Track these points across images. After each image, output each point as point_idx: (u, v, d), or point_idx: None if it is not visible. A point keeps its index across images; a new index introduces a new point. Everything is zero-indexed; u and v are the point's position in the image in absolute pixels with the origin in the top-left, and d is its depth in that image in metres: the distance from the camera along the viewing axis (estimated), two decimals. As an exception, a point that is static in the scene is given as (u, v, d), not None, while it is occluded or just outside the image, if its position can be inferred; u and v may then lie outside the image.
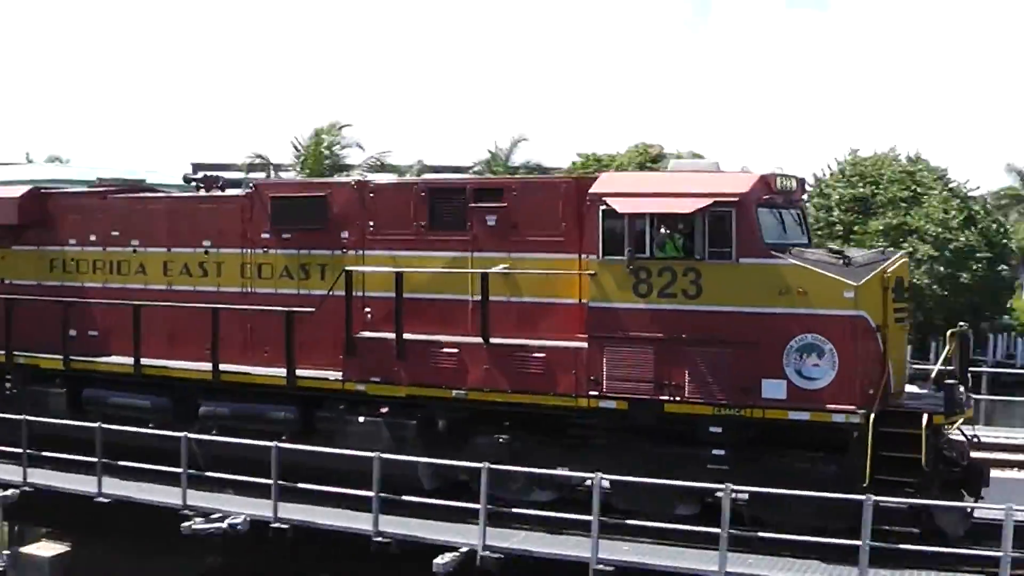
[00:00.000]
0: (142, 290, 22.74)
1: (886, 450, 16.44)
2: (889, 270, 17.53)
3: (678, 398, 17.63)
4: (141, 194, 24.72)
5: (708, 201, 17.32)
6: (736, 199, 17.42)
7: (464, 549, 17.64)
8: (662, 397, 17.72)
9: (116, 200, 23.80)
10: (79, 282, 23.53)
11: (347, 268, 19.96)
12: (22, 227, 23.96)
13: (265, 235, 21.47)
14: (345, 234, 20.69)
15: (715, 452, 17.52)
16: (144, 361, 22.00)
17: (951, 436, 17.72)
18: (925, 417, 16.36)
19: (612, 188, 18.48)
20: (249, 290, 21.81)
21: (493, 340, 18.81)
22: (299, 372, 20.45)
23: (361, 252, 20.54)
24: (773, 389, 17.11)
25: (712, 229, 17.44)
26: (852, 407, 16.65)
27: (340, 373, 20.15)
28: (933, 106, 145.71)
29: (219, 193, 23.19)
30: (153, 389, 22.33)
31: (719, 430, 17.53)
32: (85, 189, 25.83)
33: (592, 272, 18.11)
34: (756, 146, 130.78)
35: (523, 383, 18.66)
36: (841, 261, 17.42)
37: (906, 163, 51.07)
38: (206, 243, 22.19)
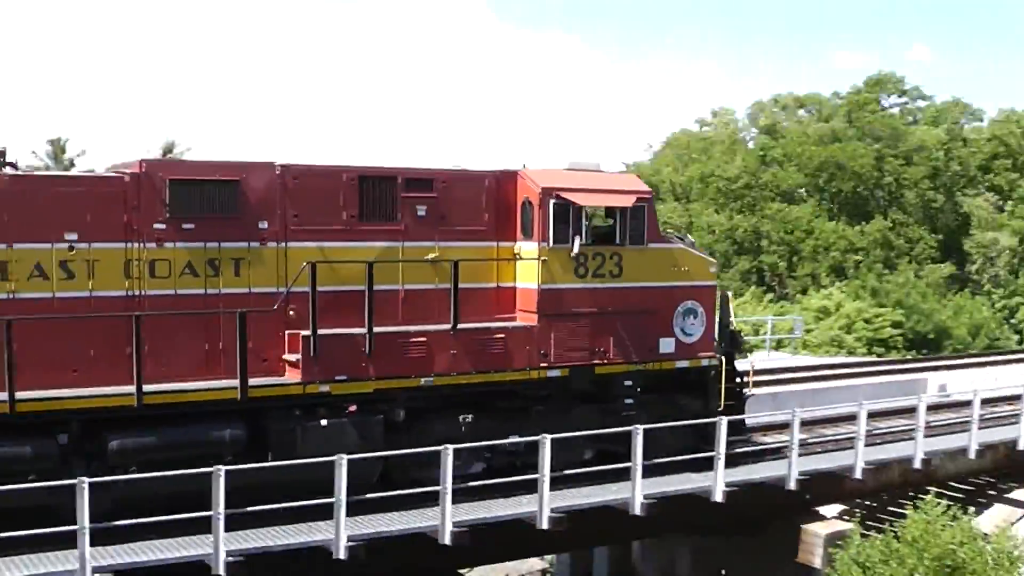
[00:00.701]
0: None
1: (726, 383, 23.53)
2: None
3: (605, 361, 21.72)
4: None
5: (635, 197, 21.83)
6: (649, 195, 22.36)
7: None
8: (594, 362, 21.58)
9: None
10: None
11: (310, 261, 18.70)
12: None
13: (159, 226, 18.17)
14: (264, 224, 18.97)
15: (627, 402, 22.06)
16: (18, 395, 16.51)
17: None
18: (744, 361, 23.90)
19: (562, 184, 21.06)
20: (139, 292, 18.11)
21: (460, 326, 20.04)
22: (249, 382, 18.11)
23: (284, 244, 19.13)
24: (667, 345, 22.58)
25: (632, 220, 21.78)
26: (712, 353, 23.17)
27: (296, 376, 18.73)
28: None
29: (92, 173, 18.44)
30: (28, 431, 16.85)
31: (630, 383, 22.06)
32: None
33: (544, 259, 20.75)
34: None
35: (486, 363, 20.34)
36: (694, 244, 23.41)
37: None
38: (70, 236, 17.67)
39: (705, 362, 22.95)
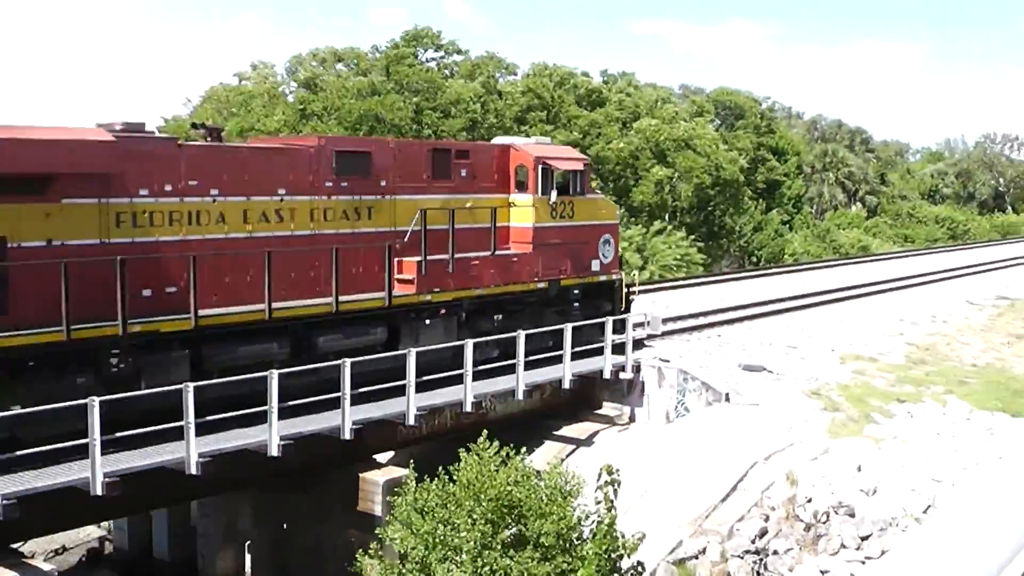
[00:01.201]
0: (224, 239, 22.66)
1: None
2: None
3: (564, 277, 30.65)
4: (216, 143, 23.96)
5: (582, 163, 31.82)
6: (587, 161, 32.87)
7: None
8: (560, 277, 30.44)
9: (193, 148, 22.64)
10: (152, 237, 21.42)
11: (423, 208, 26.30)
12: (78, 176, 20.14)
13: (328, 183, 24.81)
14: (383, 183, 26.07)
15: (575, 305, 31.15)
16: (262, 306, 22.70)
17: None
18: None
19: (544, 154, 30.26)
20: (316, 232, 24.61)
21: (497, 252, 28.55)
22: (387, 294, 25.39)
23: (393, 197, 26.29)
24: (595, 265, 31.85)
25: (580, 178, 31.14)
26: (618, 271, 32.73)
27: (411, 290, 25.96)
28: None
29: (293, 144, 25.19)
30: (271, 334, 22.94)
31: (577, 292, 31.15)
32: (153, 135, 23.19)
33: (536, 206, 29.58)
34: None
35: (508, 278, 28.76)
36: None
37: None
38: (281, 191, 23.87)
39: (615, 277, 32.36)
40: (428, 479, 19.24)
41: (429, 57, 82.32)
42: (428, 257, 26.17)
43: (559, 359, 27.70)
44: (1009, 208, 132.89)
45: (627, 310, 32.05)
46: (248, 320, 22.44)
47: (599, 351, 28.94)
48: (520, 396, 26.60)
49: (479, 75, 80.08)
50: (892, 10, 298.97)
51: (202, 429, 19.61)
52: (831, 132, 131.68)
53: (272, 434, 20.48)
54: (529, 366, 26.69)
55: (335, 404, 21.90)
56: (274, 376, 20.37)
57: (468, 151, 29.03)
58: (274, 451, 20.59)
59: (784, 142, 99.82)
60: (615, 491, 18.69)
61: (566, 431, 29.16)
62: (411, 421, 23.53)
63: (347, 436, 22.05)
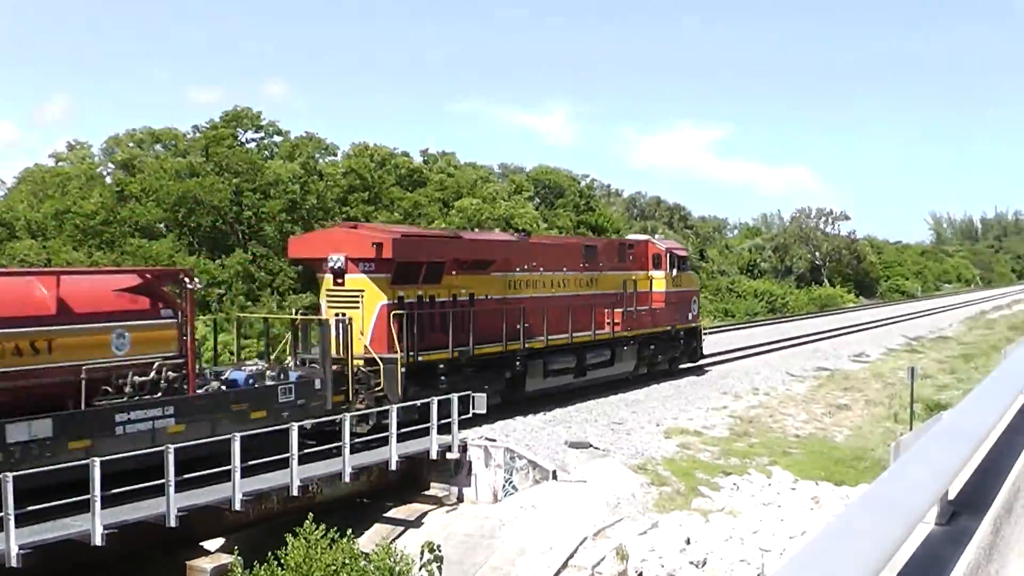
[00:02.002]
0: (549, 296, 37.63)
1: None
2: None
3: (677, 323, 46.56)
4: (536, 239, 41.69)
5: (685, 251, 49.32)
6: (687, 249, 53.44)
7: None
8: (676, 324, 46.21)
9: (532, 242, 39.57)
10: (523, 294, 36.37)
11: (625, 279, 42.48)
12: (499, 261, 35.63)
13: (582, 264, 40.63)
14: (601, 263, 41.85)
15: (680, 341, 48.03)
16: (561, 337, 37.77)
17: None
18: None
19: (670, 246, 46.80)
20: (579, 293, 39.69)
21: (653, 306, 44.57)
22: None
23: (605, 273, 41.78)
24: (690, 316, 48.27)
25: (683, 260, 47.19)
26: (698, 320, 50.46)
27: (620, 329, 41.41)
28: None
29: (567, 241, 47.28)
30: (570, 351, 38.26)
31: (681, 334, 47.61)
32: (522, 236, 40.33)
33: (667, 278, 45.27)
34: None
35: (657, 323, 44.53)
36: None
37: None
38: (564, 269, 39.46)
39: (697, 324, 48.89)
40: (257, 564, 19.25)
41: (249, 138, 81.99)
42: (629, 309, 41.68)
43: (417, 433, 28.63)
44: (826, 281, 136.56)
45: (701, 346, 49.21)
46: (563, 343, 37.85)
47: (426, 432, 28.59)
48: (347, 479, 26.43)
49: (299, 156, 79.85)
50: (700, 93, 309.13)
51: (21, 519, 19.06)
52: (650, 209, 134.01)
53: (95, 523, 19.97)
54: (355, 449, 26.57)
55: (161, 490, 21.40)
56: (96, 463, 19.92)
57: (632, 244, 45.43)
58: (98, 540, 20.02)
59: (603, 219, 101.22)
60: (439, 568, 18.71)
61: (394, 513, 28.91)
62: (237, 506, 23.10)
63: (172, 523, 21.42)
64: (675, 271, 45.14)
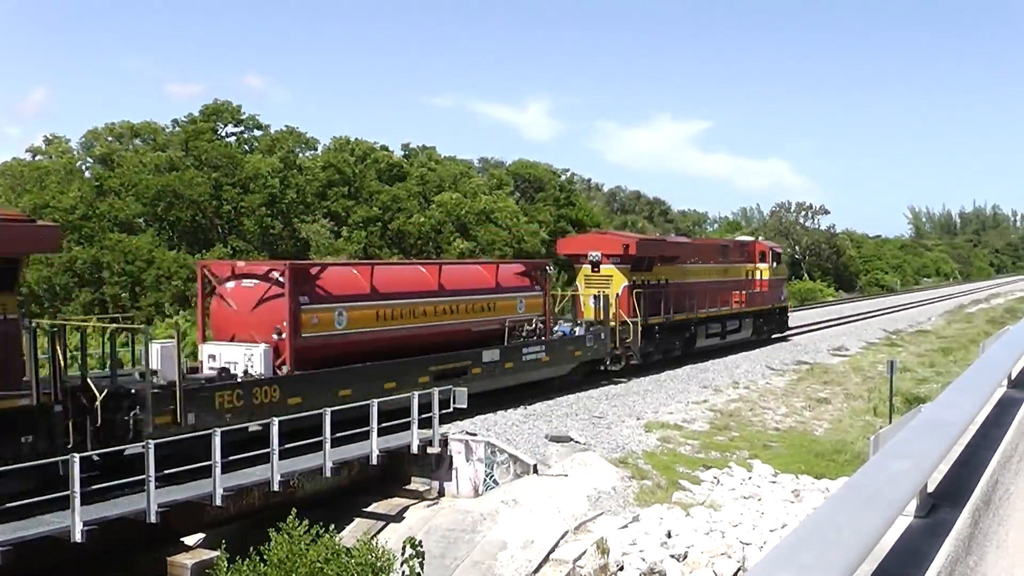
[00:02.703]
0: (707, 282, 51.37)
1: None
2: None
3: (774, 303, 61.07)
4: (696, 239, 65.02)
5: (779, 247, 66.28)
6: (780, 247, 68.53)
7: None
8: (773, 304, 60.57)
9: (693, 241, 58.69)
10: (691, 279, 49.65)
11: (745, 269, 57.42)
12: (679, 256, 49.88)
13: (720, 258, 54.50)
14: (731, 258, 56.07)
15: (777, 315, 63.58)
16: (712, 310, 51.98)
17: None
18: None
19: (769, 245, 62.29)
20: (720, 280, 53.35)
21: (755, 290, 58.20)
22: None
23: (729, 264, 55.38)
24: (781, 298, 64.24)
25: (779, 256, 63.01)
26: (785, 303, 66.61)
27: (744, 306, 55.82)
28: None
29: (722, 242, 62.68)
30: (718, 320, 52.34)
31: (777, 310, 62.77)
32: (684, 239, 59.40)
33: (769, 268, 59.30)
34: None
35: (760, 303, 57.98)
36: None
37: None
38: (717, 261, 53.99)
39: (785, 304, 62.74)
40: (240, 560, 19.01)
41: (229, 132, 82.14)
42: (747, 291, 56.10)
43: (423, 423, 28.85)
44: (805, 275, 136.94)
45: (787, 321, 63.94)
46: (714, 315, 51.54)
47: (407, 426, 28.52)
48: (328, 473, 26.26)
49: (279, 150, 79.87)
50: (680, 87, 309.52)
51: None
52: (630, 203, 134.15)
53: (75, 519, 19.80)
54: (336, 443, 26.26)
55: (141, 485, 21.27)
56: (75, 460, 19.76)
57: (747, 243, 60.83)
58: (78, 537, 19.83)
59: (584, 214, 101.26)
60: (420, 564, 18.72)
61: (375, 507, 28.81)
62: (218, 502, 23.04)
63: (153, 519, 21.33)
64: (775, 264, 59.81)
